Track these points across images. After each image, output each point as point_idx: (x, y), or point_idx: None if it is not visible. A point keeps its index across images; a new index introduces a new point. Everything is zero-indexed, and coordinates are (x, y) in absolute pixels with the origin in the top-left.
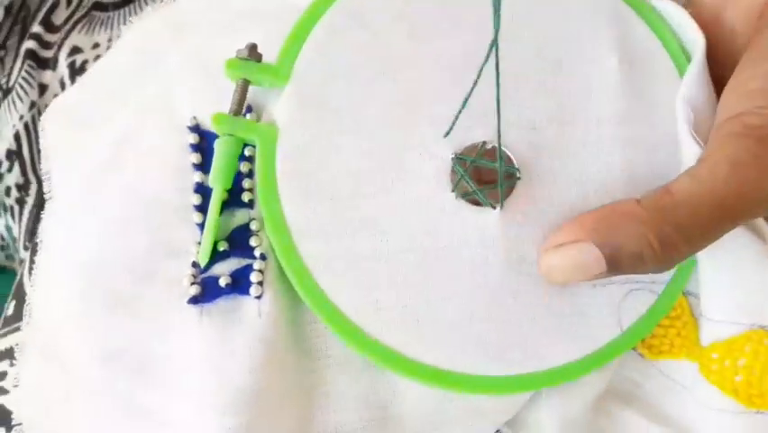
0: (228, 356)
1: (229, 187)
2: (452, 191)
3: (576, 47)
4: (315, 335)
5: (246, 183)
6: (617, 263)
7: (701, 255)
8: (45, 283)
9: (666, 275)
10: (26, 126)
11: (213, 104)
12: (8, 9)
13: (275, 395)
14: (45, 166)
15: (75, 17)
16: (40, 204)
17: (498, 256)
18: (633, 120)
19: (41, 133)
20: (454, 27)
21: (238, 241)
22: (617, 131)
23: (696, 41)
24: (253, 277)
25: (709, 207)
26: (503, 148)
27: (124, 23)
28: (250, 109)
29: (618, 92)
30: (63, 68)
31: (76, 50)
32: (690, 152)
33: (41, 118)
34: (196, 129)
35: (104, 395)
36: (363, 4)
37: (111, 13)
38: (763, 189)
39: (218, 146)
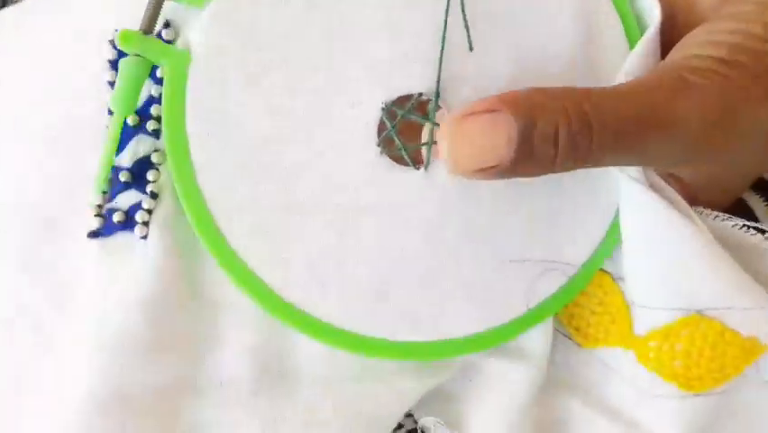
0: (111, 294)
1: (131, 113)
2: (377, 145)
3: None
4: (211, 280)
5: (154, 110)
6: (528, 140)
7: (628, 240)
8: None
9: (582, 258)
10: None
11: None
12: None
13: (158, 337)
14: None
15: None
16: None
17: (416, 221)
18: None
19: None
20: None
21: (138, 173)
22: None
23: (652, 14)
24: (138, 216)
25: (628, 103)
26: (440, 103)
27: None
28: (167, 25)
29: (569, 60)
30: None
31: None
32: None
33: None
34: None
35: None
36: None
37: None
38: (676, 108)
39: (122, 67)
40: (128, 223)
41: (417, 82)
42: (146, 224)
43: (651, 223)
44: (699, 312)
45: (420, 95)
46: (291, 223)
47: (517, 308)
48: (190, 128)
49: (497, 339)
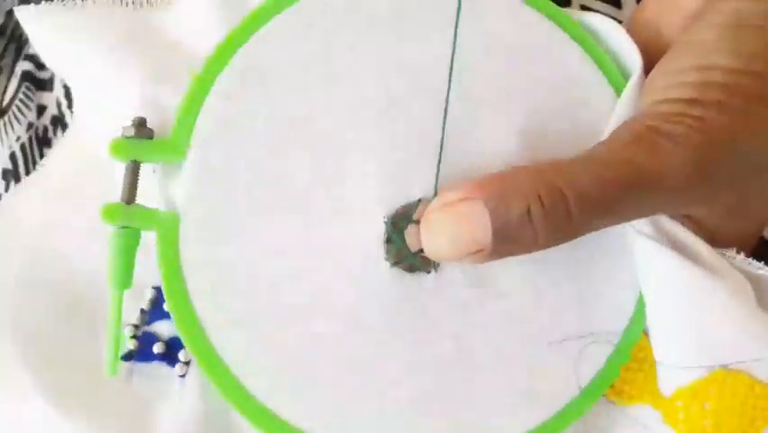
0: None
1: (129, 288)
2: (386, 260)
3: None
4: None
5: None
6: (503, 224)
7: (648, 297)
8: None
9: (622, 323)
10: (23, 147)
11: None
12: (2, 29)
13: None
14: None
15: None
16: None
17: (444, 327)
18: None
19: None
20: (358, 69)
21: None
22: None
23: (633, 61)
24: (182, 355)
25: (604, 168)
26: None
27: None
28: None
29: (569, 129)
30: (59, 88)
31: None
32: None
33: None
34: None
35: None
36: (259, 60)
37: None
38: (655, 160)
39: (111, 242)
40: (168, 357)
41: (416, 187)
42: (187, 363)
43: (666, 279)
44: (725, 367)
45: (419, 201)
46: (314, 363)
47: (570, 391)
48: (191, 286)
49: (552, 430)
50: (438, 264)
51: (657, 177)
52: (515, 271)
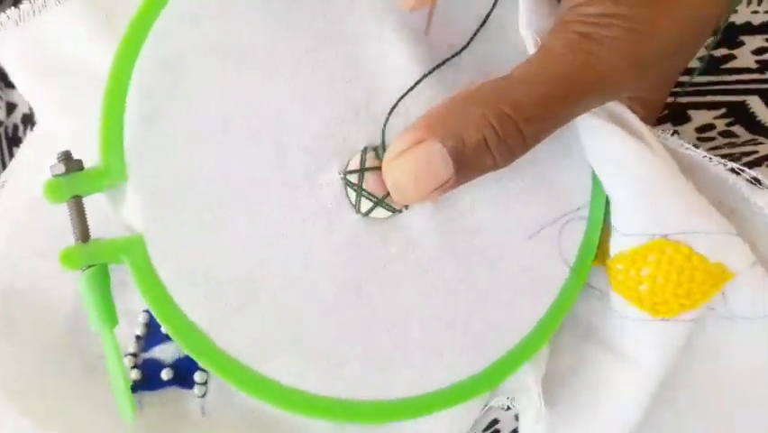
0: None
1: (116, 324)
2: (357, 212)
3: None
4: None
5: None
6: (463, 158)
7: (598, 171)
8: None
9: (586, 196)
10: None
11: None
12: None
13: None
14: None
15: None
16: None
17: (426, 256)
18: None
19: (21, 148)
20: (266, 41)
21: None
22: None
23: None
24: (198, 377)
25: (545, 85)
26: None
27: None
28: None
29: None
30: None
31: None
32: None
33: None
34: None
35: None
36: (171, 46)
37: None
38: (591, 69)
39: (82, 285)
40: (179, 381)
41: (356, 138)
42: (205, 383)
43: (611, 151)
44: (665, 237)
45: (365, 149)
46: (309, 335)
47: (561, 272)
48: (181, 301)
49: (558, 316)
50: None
51: (598, 84)
52: (475, 184)
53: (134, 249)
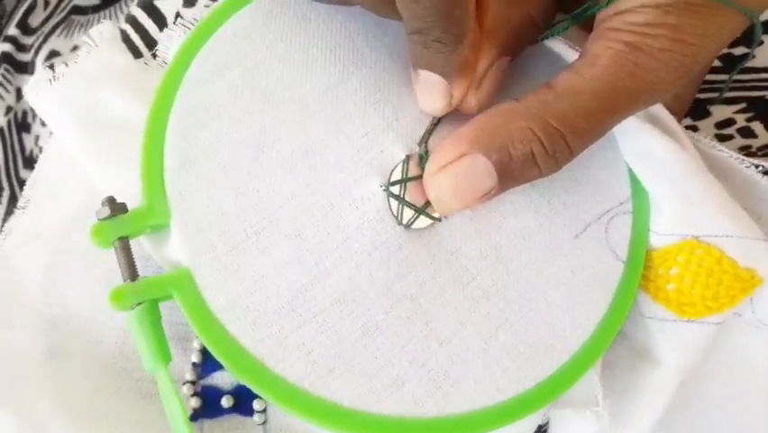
0: None
1: (170, 361)
2: (399, 224)
3: None
4: None
5: None
6: (508, 170)
7: (639, 170)
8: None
9: (626, 190)
10: (1, 132)
11: None
12: None
13: None
14: (34, 183)
15: (53, 21)
16: (10, 211)
17: (473, 263)
18: None
19: (43, 147)
20: (295, 79)
21: None
22: None
23: None
24: (257, 405)
25: (590, 96)
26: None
27: None
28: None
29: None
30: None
31: (54, 54)
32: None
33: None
34: None
35: None
36: (200, 96)
37: (90, 17)
38: (639, 80)
39: (134, 324)
40: (239, 408)
41: (391, 150)
42: (264, 411)
43: (645, 149)
44: (696, 238)
45: (407, 158)
46: (363, 351)
47: (616, 267)
48: (233, 330)
49: (622, 313)
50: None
51: (645, 95)
52: (515, 189)
53: (183, 283)
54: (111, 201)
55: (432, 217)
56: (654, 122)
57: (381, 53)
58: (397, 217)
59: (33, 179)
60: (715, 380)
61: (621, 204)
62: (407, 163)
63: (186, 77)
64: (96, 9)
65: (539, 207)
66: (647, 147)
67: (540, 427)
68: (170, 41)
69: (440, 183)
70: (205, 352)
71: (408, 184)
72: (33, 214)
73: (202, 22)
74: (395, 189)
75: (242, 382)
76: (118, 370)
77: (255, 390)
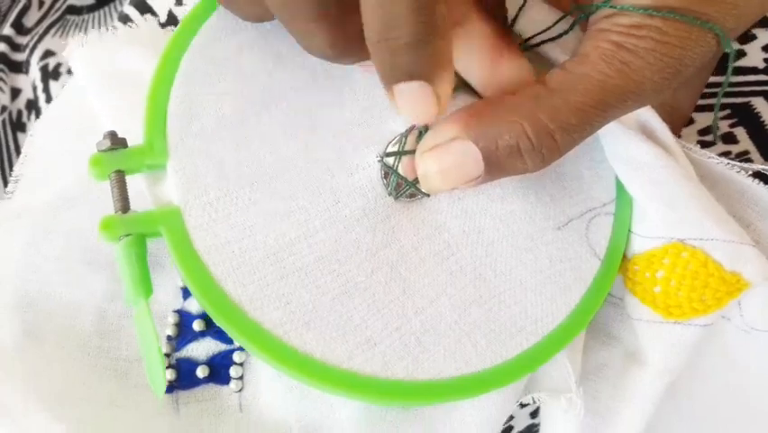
0: None
1: (151, 295)
2: (389, 195)
3: None
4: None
5: None
6: (494, 160)
7: (624, 175)
8: None
9: (611, 193)
10: None
11: None
12: None
13: None
14: (20, 167)
15: (47, 20)
16: None
17: (455, 240)
18: None
19: (28, 139)
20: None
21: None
22: None
23: None
24: (233, 372)
25: (581, 95)
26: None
27: (99, 27)
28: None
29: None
30: (35, 71)
31: (48, 54)
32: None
33: (36, 124)
34: None
35: None
36: (213, 49)
37: (85, 16)
38: (626, 79)
39: (120, 254)
40: (215, 377)
41: (398, 123)
42: (240, 378)
43: (629, 153)
44: (682, 241)
45: (407, 131)
46: (352, 311)
47: (592, 264)
48: (216, 272)
49: (593, 305)
50: None
51: (633, 94)
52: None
53: (172, 220)
54: (113, 135)
55: (421, 192)
56: (646, 130)
57: None
58: (387, 188)
59: (20, 161)
60: (706, 383)
61: (604, 205)
62: (405, 137)
63: (200, 31)
64: (90, 9)
65: (526, 195)
66: (633, 153)
67: (532, 426)
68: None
69: (429, 162)
70: (179, 325)
71: (406, 158)
72: (18, 195)
73: None
74: (390, 161)
75: (219, 325)
76: (93, 348)
77: (230, 333)
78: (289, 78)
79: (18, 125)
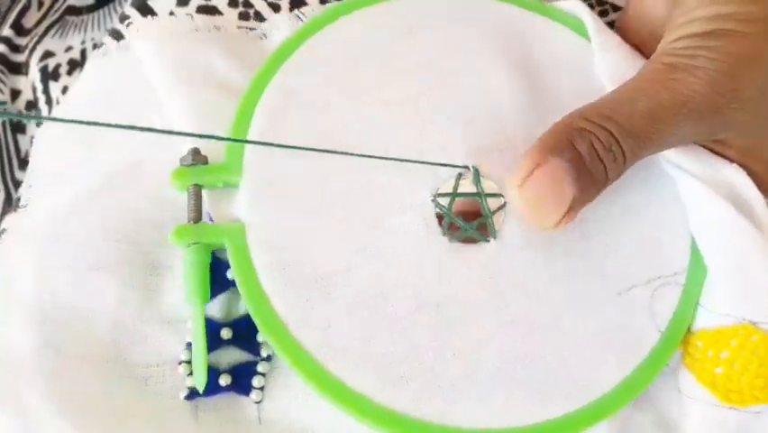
0: None
1: (207, 301)
2: (444, 235)
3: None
4: None
5: None
6: (581, 166)
7: (704, 244)
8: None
9: (684, 262)
10: None
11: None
12: None
13: None
14: (29, 177)
15: (47, 21)
16: (5, 212)
17: (511, 289)
18: None
19: (34, 141)
20: (383, 83)
21: (242, 331)
22: None
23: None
24: (256, 382)
25: (635, 103)
26: (482, 177)
27: (98, 27)
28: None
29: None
30: (35, 72)
31: (48, 55)
32: None
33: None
34: None
35: None
36: (295, 81)
37: (85, 17)
38: (675, 92)
39: (186, 259)
40: (237, 386)
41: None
42: (261, 388)
43: (714, 225)
44: (754, 324)
45: (460, 175)
46: (397, 341)
47: (651, 337)
48: (268, 288)
49: (645, 380)
50: (496, 232)
51: (683, 107)
52: (574, 229)
53: (235, 234)
54: (195, 152)
55: (480, 237)
56: (739, 200)
57: (472, 73)
58: (443, 230)
59: (29, 171)
60: None
61: (675, 274)
62: (459, 179)
63: (289, 59)
64: (90, 9)
65: (590, 255)
66: (715, 220)
67: None
68: (277, 25)
69: (526, 193)
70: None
71: (465, 200)
72: (30, 208)
73: (314, 17)
74: (443, 201)
75: (264, 335)
76: (111, 356)
77: (271, 342)
78: (363, 113)
79: (18, 127)
